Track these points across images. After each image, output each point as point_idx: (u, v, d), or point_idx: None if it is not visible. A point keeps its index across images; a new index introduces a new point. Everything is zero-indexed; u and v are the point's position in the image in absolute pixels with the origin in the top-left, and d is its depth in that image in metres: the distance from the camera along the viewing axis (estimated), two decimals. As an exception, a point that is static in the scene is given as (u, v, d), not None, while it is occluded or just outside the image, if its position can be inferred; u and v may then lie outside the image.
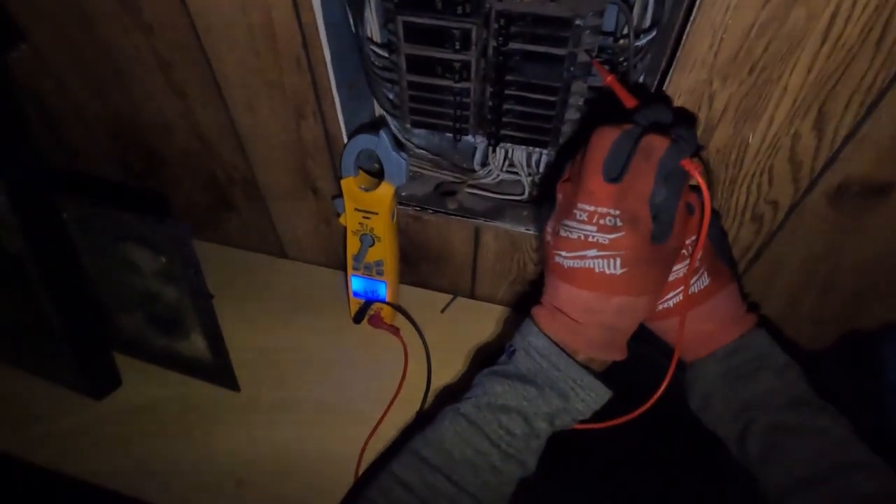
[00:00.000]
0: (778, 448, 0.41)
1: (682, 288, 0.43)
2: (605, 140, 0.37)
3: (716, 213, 0.48)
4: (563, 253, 0.39)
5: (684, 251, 0.42)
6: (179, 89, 0.57)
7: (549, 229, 0.42)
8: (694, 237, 0.42)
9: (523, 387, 0.40)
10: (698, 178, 0.36)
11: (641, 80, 0.47)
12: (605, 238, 0.37)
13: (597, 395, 0.40)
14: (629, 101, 0.40)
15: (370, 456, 0.56)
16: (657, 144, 0.36)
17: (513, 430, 0.40)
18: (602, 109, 0.47)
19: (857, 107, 0.40)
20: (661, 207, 0.37)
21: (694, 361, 0.46)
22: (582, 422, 0.42)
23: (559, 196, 0.41)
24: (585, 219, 0.38)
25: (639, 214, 0.37)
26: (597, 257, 0.38)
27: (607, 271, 0.38)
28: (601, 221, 0.37)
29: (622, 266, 0.38)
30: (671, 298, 0.44)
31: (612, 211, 0.37)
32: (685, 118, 0.45)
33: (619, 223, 0.37)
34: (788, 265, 0.54)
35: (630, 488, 0.52)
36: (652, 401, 0.41)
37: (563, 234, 0.39)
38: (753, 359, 0.44)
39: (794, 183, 0.47)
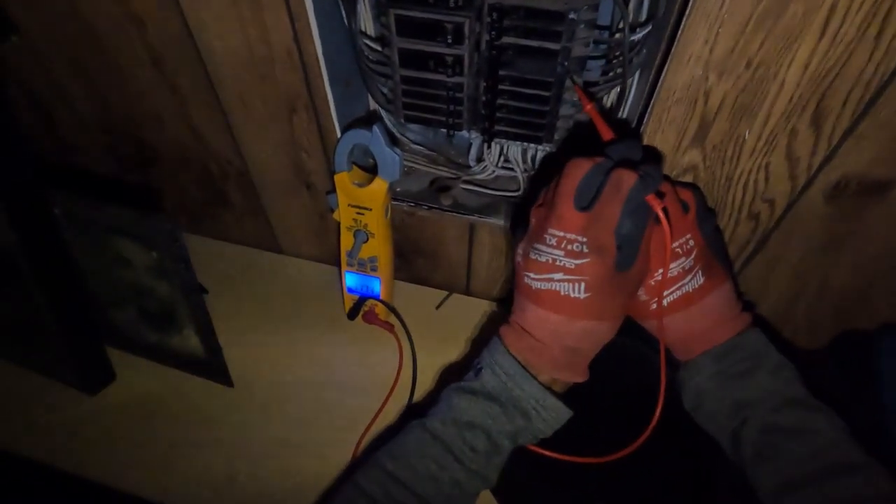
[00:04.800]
0: (772, 448, 0.41)
1: (673, 287, 0.43)
2: (578, 171, 0.39)
3: (711, 211, 0.47)
4: (532, 274, 0.41)
5: (678, 250, 0.42)
6: (172, 83, 0.56)
7: (520, 251, 0.44)
8: (689, 235, 0.42)
9: (488, 404, 0.41)
10: (660, 214, 0.38)
11: (637, 75, 0.47)
12: (571, 263, 0.39)
13: (557, 415, 0.42)
14: (606, 134, 0.41)
15: (364, 453, 0.56)
16: (626, 179, 0.38)
17: (476, 446, 0.41)
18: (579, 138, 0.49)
19: (856, 103, 0.40)
20: (626, 238, 0.39)
21: (688, 360, 0.46)
22: (552, 446, 0.44)
23: (532, 220, 0.43)
24: (555, 243, 0.40)
25: (604, 243, 0.39)
26: (563, 280, 0.40)
27: (572, 295, 0.39)
28: (569, 247, 0.39)
29: (586, 291, 0.39)
30: (665, 297, 0.44)
31: (579, 238, 0.39)
32: (653, 156, 0.47)
33: (585, 249, 0.39)
34: (785, 264, 0.54)
35: (619, 487, 0.51)
36: (647, 432, 0.42)
37: (532, 256, 0.41)
38: (748, 358, 0.44)
39: (791, 180, 0.46)
